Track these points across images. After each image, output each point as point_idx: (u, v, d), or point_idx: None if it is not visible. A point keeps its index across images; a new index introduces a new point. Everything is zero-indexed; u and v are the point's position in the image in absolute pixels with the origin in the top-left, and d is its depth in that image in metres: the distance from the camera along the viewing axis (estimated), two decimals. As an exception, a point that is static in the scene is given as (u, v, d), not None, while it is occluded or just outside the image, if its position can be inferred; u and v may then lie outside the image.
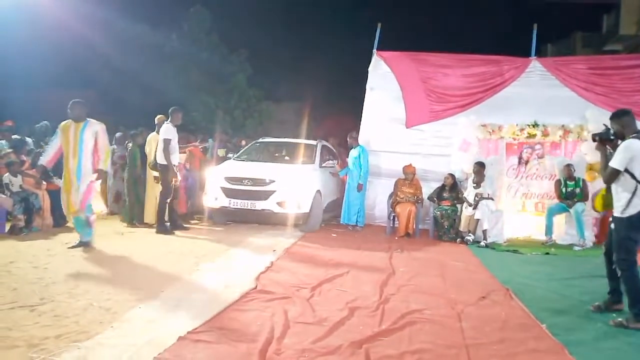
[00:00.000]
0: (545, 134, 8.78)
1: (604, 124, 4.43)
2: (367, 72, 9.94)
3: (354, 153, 8.97)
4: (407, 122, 9.61)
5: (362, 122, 9.83)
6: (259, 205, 7.81)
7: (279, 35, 28.00)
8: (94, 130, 6.13)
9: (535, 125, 8.79)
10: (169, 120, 7.59)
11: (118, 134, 9.94)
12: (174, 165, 7.48)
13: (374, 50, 9.90)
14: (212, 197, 8.12)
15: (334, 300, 4.39)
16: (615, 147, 4.22)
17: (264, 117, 23.11)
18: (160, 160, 7.43)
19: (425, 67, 9.74)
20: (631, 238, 4.13)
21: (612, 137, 4.29)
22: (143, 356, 3.04)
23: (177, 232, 7.53)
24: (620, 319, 4.05)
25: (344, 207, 9.00)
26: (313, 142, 9.64)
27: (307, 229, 8.12)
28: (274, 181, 7.88)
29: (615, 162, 4.11)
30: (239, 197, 7.87)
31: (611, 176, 4.17)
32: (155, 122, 8.16)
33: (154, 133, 8.06)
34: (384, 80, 9.78)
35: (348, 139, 9.24)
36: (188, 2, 22.70)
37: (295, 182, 8.02)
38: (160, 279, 4.86)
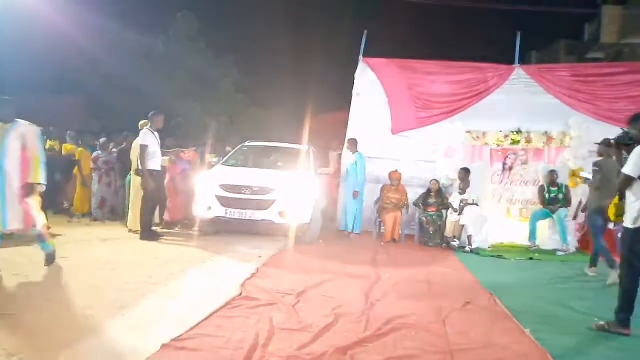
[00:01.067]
0: (528, 140, 8.92)
1: (621, 128, 4.31)
2: (353, 78, 9.98)
3: (350, 159, 8.96)
4: (393, 128, 9.67)
5: (348, 128, 9.86)
6: (258, 215, 7.31)
7: (266, 41, 27.97)
8: (21, 132, 5.09)
9: (518, 131, 8.92)
10: (149, 125, 7.55)
11: (102, 139, 9.86)
12: (153, 170, 7.40)
13: (360, 57, 9.95)
14: (204, 206, 7.52)
15: (320, 306, 4.37)
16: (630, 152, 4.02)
17: (251, 123, 23.10)
18: (139, 166, 7.39)
19: (411, 73, 9.81)
20: (636, 251, 3.92)
21: (629, 142, 4.12)
22: (125, 364, 3.00)
23: (161, 239, 7.46)
24: (602, 322, 4.08)
25: (342, 213, 8.97)
26: (304, 147, 9.20)
27: (308, 240, 7.68)
28: (273, 189, 7.40)
29: (627, 168, 3.89)
30: (236, 207, 7.33)
31: (624, 183, 3.96)
32: (139, 127, 8.02)
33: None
34: (370, 86, 9.83)
35: (346, 145, 9.26)
36: (175, 7, 22.63)
37: (296, 190, 7.57)
38: (144, 285, 4.80)
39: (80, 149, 9.54)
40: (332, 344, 3.45)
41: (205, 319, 3.85)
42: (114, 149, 9.79)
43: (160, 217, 8.44)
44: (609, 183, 5.71)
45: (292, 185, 7.65)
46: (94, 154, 9.54)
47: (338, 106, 11.63)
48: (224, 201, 7.41)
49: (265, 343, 3.42)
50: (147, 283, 4.89)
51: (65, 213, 9.54)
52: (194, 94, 21.26)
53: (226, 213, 7.37)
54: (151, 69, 20.56)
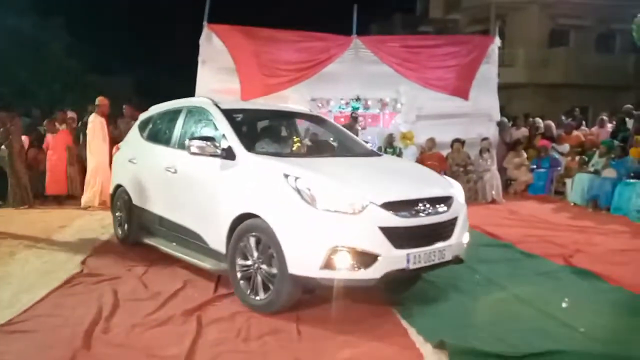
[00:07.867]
0: (366, 107, 9.69)
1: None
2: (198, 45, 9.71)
3: None
4: (242, 95, 9.66)
5: (195, 96, 9.62)
6: (448, 252, 3.71)
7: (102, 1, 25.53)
8: None
9: (358, 99, 9.62)
10: None
11: None
12: None
13: (205, 23, 9.69)
14: (347, 259, 3.29)
15: (169, 274, 4.38)
16: None
17: (88, 91, 21.20)
18: None
19: (257, 41, 9.83)
20: None
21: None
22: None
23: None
24: None
25: None
26: (307, 110, 6.07)
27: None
28: (452, 198, 3.94)
29: None
30: (422, 244, 3.56)
31: None
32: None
33: None
34: (216, 53, 9.64)
35: None
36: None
37: (461, 194, 4.20)
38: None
39: None
40: (180, 308, 3.53)
41: (41, 300, 3.65)
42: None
43: None
44: None
45: (453, 187, 4.24)
46: None
47: (187, 72, 11.21)
48: (401, 239, 3.45)
49: (109, 316, 3.37)
50: (-32, 270, 4.40)
51: None
52: (16, 60, 18.73)
53: (409, 261, 3.46)
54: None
